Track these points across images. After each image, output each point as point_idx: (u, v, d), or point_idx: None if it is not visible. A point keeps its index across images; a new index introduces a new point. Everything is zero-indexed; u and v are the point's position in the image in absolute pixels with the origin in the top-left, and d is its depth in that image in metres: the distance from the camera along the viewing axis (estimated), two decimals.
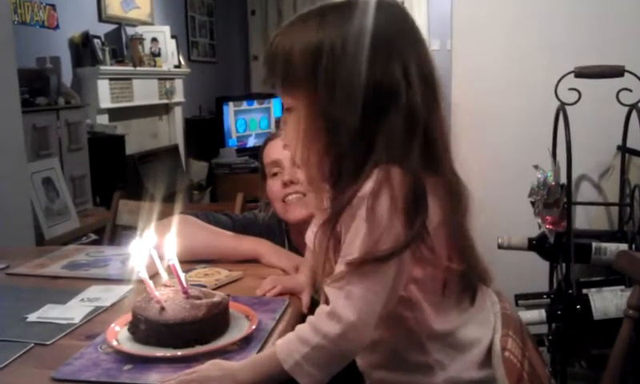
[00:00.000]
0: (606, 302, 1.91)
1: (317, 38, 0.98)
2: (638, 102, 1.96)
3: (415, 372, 1.05)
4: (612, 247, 2.03)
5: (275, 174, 1.65)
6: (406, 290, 1.01)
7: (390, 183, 0.93)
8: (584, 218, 2.34)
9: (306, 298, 1.34)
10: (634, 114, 1.98)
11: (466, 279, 1.06)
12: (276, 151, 1.65)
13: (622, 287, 1.95)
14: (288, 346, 0.96)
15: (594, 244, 2.04)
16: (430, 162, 0.99)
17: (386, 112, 0.97)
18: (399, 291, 0.99)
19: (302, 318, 1.28)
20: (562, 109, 2.01)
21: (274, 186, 1.64)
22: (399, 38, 1.00)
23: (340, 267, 0.96)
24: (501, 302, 1.14)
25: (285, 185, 1.62)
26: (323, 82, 0.97)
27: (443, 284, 1.03)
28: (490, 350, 1.06)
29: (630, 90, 1.96)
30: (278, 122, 5.94)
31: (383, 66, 0.97)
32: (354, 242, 0.95)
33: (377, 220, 0.93)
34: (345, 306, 0.93)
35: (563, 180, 1.95)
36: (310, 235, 1.35)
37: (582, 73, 1.98)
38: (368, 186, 0.94)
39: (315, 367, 0.94)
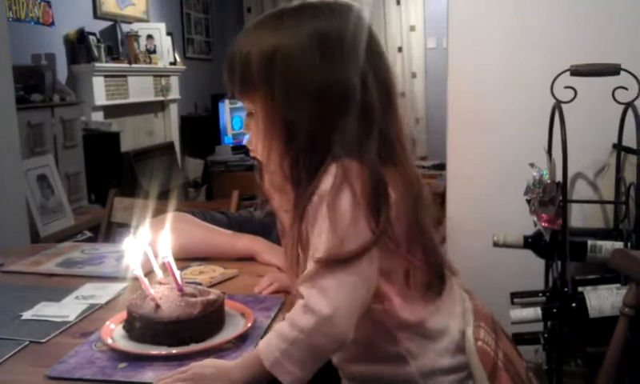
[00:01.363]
0: (602, 300, 1.91)
1: (272, 41, 1.00)
2: (633, 100, 1.96)
3: (388, 362, 1.06)
4: (607, 245, 2.03)
5: None
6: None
7: (348, 178, 0.94)
8: (579, 216, 2.34)
9: None
10: (630, 112, 1.99)
11: (430, 270, 1.07)
12: None
13: (618, 285, 1.96)
14: (268, 343, 0.96)
15: (590, 242, 2.04)
16: (388, 158, 1.00)
17: (341, 112, 0.98)
18: (374, 284, 0.99)
19: None
20: (557, 107, 2.01)
21: None
22: (354, 37, 1.01)
23: (310, 265, 0.96)
24: (471, 299, 1.15)
25: None
26: (278, 85, 0.99)
27: (406, 275, 1.04)
28: (461, 339, 1.07)
29: (626, 88, 1.96)
30: None
31: (337, 65, 0.99)
32: (319, 241, 0.95)
33: (339, 217, 0.93)
34: (318, 300, 0.93)
35: (559, 178, 1.95)
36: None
37: (577, 71, 1.98)
38: (327, 182, 0.95)
39: (294, 364, 0.93)
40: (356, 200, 0.93)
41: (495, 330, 1.13)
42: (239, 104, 5.79)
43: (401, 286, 1.04)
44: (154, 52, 4.84)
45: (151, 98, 4.84)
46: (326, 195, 0.94)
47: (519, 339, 2.05)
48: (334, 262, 0.93)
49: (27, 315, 1.23)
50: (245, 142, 1.13)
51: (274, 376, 0.95)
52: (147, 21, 5.01)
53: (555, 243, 2.00)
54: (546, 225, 1.98)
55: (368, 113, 0.99)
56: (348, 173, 0.94)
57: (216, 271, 1.45)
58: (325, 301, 0.93)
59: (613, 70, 1.97)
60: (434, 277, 1.08)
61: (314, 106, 0.98)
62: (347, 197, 0.93)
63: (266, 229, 1.70)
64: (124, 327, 1.12)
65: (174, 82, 5.18)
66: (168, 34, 5.06)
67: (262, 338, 1.10)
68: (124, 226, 2.35)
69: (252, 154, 1.11)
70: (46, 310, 1.26)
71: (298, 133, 0.98)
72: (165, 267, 1.14)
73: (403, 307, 1.04)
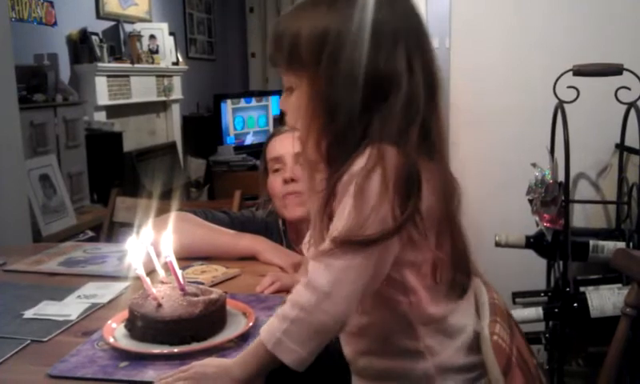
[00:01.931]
0: (603, 300, 1.91)
1: (325, 22, 0.99)
2: (636, 100, 1.96)
3: (404, 358, 1.05)
4: (609, 245, 2.03)
5: (277, 170, 1.65)
6: (400, 274, 1.01)
7: (383, 162, 0.93)
8: (582, 216, 2.34)
9: None
10: (633, 112, 1.98)
11: (456, 268, 1.06)
12: (279, 147, 1.65)
13: (620, 285, 1.96)
14: (270, 326, 0.96)
15: (592, 242, 2.04)
16: (427, 150, 1.00)
17: (386, 98, 0.98)
18: (383, 273, 0.98)
19: None
20: (560, 107, 2.01)
21: (275, 183, 1.64)
22: (406, 29, 1.01)
23: (325, 243, 0.96)
24: (488, 292, 1.14)
25: (285, 182, 1.62)
26: (326, 66, 0.98)
27: (434, 269, 1.03)
28: (475, 339, 1.06)
29: (629, 88, 1.96)
30: (275, 119, 5.93)
31: (387, 54, 0.98)
32: (340, 219, 0.94)
33: (365, 199, 0.93)
34: (321, 276, 0.93)
35: (561, 178, 1.95)
36: (304, 246, 1.36)
37: (580, 71, 1.98)
38: (360, 163, 0.94)
39: (295, 342, 0.93)
40: (385, 185, 0.92)
41: (510, 326, 1.12)
42: (241, 104, 5.79)
43: (428, 279, 1.03)
44: (157, 52, 4.84)
45: (154, 98, 4.84)
46: (356, 175, 0.93)
47: None
48: (349, 244, 0.93)
49: (29, 314, 1.24)
50: (286, 123, 1.13)
51: (275, 365, 0.95)
52: (150, 21, 5.02)
53: (557, 243, 2.00)
54: (548, 225, 1.97)
55: (412, 103, 0.99)
56: (383, 156, 0.94)
57: (218, 270, 1.45)
58: (327, 277, 0.93)
59: (615, 70, 1.96)
60: (459, 275, 1.08)
61: (360, 91, 0.97)
62: (376, 180, 0.92)
63: (268, 228, 1.71)
64: (126, 326, 1.12)
65: (177, 82, 5.18)
66: (170, 34, 5.06)
67: None
68: (126, 226, 2.35)
69: (290, 126, 1.10)
70: (48, 309, 1.26)
71: (340, 115, 0.98)
72: (167, 266, 1.14)
73: (429, 301, 1.03)
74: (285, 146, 1.64)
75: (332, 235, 0.94)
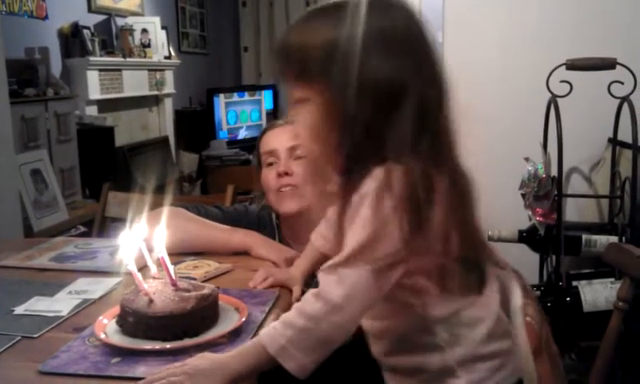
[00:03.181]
0: (596, 294, 1.91)
1: (333, 33, 1.00)
2: (629, 95, 1.96)
3: (425, 352, 1.07)
4: (602, 239, 2.03)
5: (271, 164, 1.64)
6: (412, 279, 1.02)
7: (390, 184, 0.95)
8: (574, 211, 2.35)
9: (296, 292, 1.34)
10: (626, 106, 1.98)
11: (469, 268, 1.08)
12: (273, 141, 1.65)
13: (612, 279, 1.96)
14: (272, 331, 0.97)
15: (584, 236, 2.05)
16: (437, 156, 1.01)
17: (397, 108, 0.99)
18: (391, 284, 1.00)
19: None
20: (553, 101, 2.01)
21: (268, 176, 1.63)
22: (413, 37, 1.02)
23: (337, 257, 0.97)
24: (519, 280, 1.17)
25: (279, 175, 1.61)
26: (335, 78, 0.99)
27: (443, 272, 1.04)
28: (496, 326, 1.07)
29: (622, 83, 1.96)
30: (268, 113, 5.92)
31: (395, 64, 0.99)
32: (352, 238, 0.96)
33: (375, 220, 0.94)
34: (333, 288, 0.95)
35: (554, 172, 1.95)
36: (315, 234, 1.37)
37: (573, 65, 1.98)
38: (370, 185, 0.95)
39: (299, 350, 0.95)
40: (394, 206, 0.94)
41: (540, 311, 1.16)
42: (234, 98, 5.77)
43: (439, 281, 1.04)
44: (149, 46, 4.81)
45: (146, 92, 4.82)
46: (367, 197, 0.95)
47: None
48: (360, 259, 0.95)
49: (20, 310, 1.23)
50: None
51: (272, 367, 0.96)
52: (142, 14, 4.99)
53: (550, 237, 2.00)
54: (541, 219, 1.98)
55: (423, 112, 1.00)
56: (390, 178, 0.95)
57: (210, 266, 1.45)
58: (339, 290, 0.95)
59: (609, 65, 1.97)
60: (472, 274, 1.09)
61: (370, 102, 0.98)
62: (386, 201, 0.94)
63: (261, 223, 1.70)
64: (117, 322, 1.11)
65: (169, 76, 5.16)
66: (163, 27, 5.03)
67: (255, 333, 1.10)
68: (118, 221, 2.34)
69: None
70: (39, 305, 1.25)
71: (351, 125, 0.99)
72: (159, 262, 1.13)
73: (441, 301, 1.05)
74: (279, 140, 1.63)
75: (344, 252, 0.96)
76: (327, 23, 1.02)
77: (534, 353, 1.07)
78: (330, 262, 0.98)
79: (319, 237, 1.36)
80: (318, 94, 1.02)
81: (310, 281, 1.59)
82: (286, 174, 1.60)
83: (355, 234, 0.96)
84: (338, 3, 1.04)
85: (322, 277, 0.98)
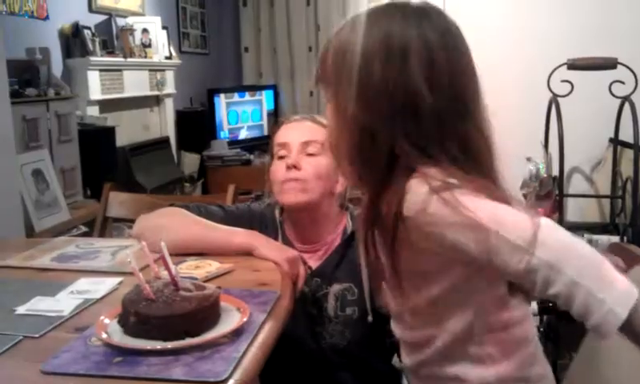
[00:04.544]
0: None
1: (346, 40, 1.03)
2: (630, 94, 1.96)
3: (465, 363, 1.06)
4: (603, 239, 2.03)
5: (282, 157, 1.63)
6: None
7: (442, 186, 0.95)
8: (576, 210, 2.35)
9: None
10: (627, 106, 1.98)
11: None
12: (286, 134, 1.65)
13: None
14: None
15: (586, 236, 2.04)
16: (467, 162, 1.01)
17: (418, 116, 0.99)
18: None
19: (292, 312, 1.28)
20: (554, 101, 2.01)
21: (278, 168, 1.63)
22: (421, 43, 1.02)
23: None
24: None
25: (288, 168, 1.60)
26: (346, 83, 1.01)
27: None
28: (537, 351, 1.09)
29: (623, 83, 1.96)
30: (269, 114, 5.91)
31: (406, 70, 1.00)
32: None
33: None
34: None
35: (555, 172, 1.95)
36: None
37: (574, 65, 1.98)
38: (414, 202, 0.96)
39: None
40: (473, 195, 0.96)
41: None
42: (235, 98, 5.77)
43: (498, 286, 1.05)
44: (150, 46, 4.81)
45: (147, 92, 4.81)
46: (421, 214, 0.96)
47: None
48: None
49: (21, 310, 1.23)
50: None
51: None
52: (143, 15, 4.98)
53: None
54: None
55: (441, 117, 1.00)
56: (434, 181, 0.96)
57: (212, 266, 1.45)
58: None
59: (610, 64, 1.96)
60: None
61: (390, 108, 0.99)
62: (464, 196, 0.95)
63: (263, 221, 1.70)
64: (119, 322, 1.11)
65: (170, 76, 5.15)
66: (163, 27, 5.03)
67: (257, 333, 1.10)
68: (119, 221, 2.35)
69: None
70: (41, 305, 1.25)
71: (367, 130, 1.00)
72: (160, 262, 1.13)
73: (495, 308, 1.05)
74: (292, 134, 1.64)
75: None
76: (348, 29, 1.05)
77: None
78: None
79: None
80: (332, 96, 1.06)
81: (310, 279, 1.59)
82: (295, 167, 1.59)
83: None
84: (372, 11, 1.06)
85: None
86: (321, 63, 1.08)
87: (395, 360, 1.59)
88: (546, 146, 2.10)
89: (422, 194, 0.95)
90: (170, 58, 5.13)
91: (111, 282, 1.38)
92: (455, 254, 0.97)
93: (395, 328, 1.18)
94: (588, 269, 0.88)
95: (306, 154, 1.60)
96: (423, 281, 1.05)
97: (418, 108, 0.99)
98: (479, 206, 0.93)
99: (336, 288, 1.60)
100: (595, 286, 0.87)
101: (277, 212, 1.70)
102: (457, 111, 1.02)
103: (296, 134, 1.63)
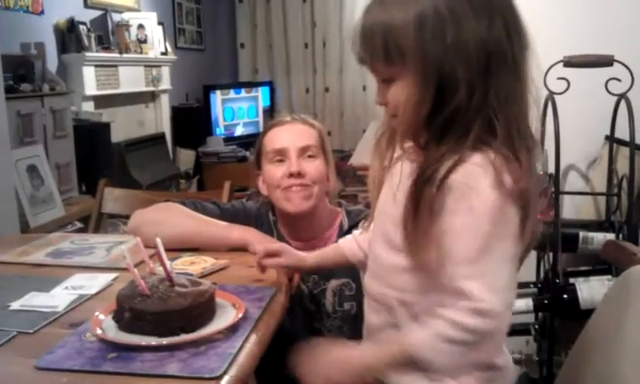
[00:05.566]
0: (593, 291, 1.91)
1: (418, 6, 0.98)
2: (626, 92, 1.96)
3: (482, 373, 1.06)
4: (599, 237, 2.03)
5: (279, 161, 1.62)
6: None
7: (501, 180, 0.96)
8: (572, 208, 2.35)
9: (296, 279, 1.41)
10: (623, 103, 1.98)
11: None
12: (282, 139, 1.63)
13: (609, 277, 1.96)
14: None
15: (582, 234, 2.05)
16: (522, 143, 1.02)
17: (496, 71, 0.98)
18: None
19: (288, 308, 1.28)
20: (550, 98, 2.01)
21: (276, 173, 1.61)
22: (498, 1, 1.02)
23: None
24: None
25: (291, 175, 1.59)
26: (430, 49, 0.97)
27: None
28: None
29: (619, 80, 1.96)
30: (265, 110, 5.90)
31: (487, 24, 0.98)
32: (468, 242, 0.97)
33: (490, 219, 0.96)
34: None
35: (551, 169, 1.95)
36: (347, 241, 1.36)
37: (570, 62, 1.98)
38: (475, 179, 0.96)
39: None
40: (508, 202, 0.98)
41: None
42: (231, 95, 5.76)
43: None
44: (145, 42, 4.79)
45: (142, 88, 4.80)
46: (473, 191, 0.96)
47: (510, 330, 2.06)
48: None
49: (15, 305, 1.22)
50: (385, 109, 1.11)
51: None
52: (138, 10, 4.97)
53: (547, 235, 2.00)
54: (538, 216, 1.98)
55: (520, 71, 1.01)
56: (500, 171, 0.96)
57: (207, 262, 1.44)
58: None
59: (606, 62, 1.96)
60: None
61: (468, 67, 0.97)
62: (503, 197, 0.97)
63: (259, 219, 1.69)
64: (113, 318, 1.11)
65: (165, 72, 5.14)
66: (159, 23, 5.02)
67: (253, 329, 1.09)
68: (114, 217, 2.34)
69: (393, 124, 1.09)
70: (35, 301, 1.24)
71: (453, 92, 0.97)
72: (155, 258, 1.13)
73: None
74: (290, 138, 1.62)
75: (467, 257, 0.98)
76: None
77: None
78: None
79: (353, 244, 1.33)
80: (410, 68, 0.99)
81: (308, 277, 1.59)
82: (300, 174, 1.58)
83: (468, 240, 0.97)
84: None
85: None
86: (387, 38, 0.99)
87: None
88: (541, 143, 2.10)
89: (477, 175, 0.96)
90: (165, 53, 5.12)
91: (106, 277, 1.37)
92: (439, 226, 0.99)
93: (372, 284, 1.16)
94: None
95: (305, 158, 1.60)
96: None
97: (502, 64, 0.98)
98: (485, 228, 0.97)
99: (334, 284, 1.60)
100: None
101: (270, 212, 1.70)
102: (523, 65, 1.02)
103: (293, 138, 1.62)
